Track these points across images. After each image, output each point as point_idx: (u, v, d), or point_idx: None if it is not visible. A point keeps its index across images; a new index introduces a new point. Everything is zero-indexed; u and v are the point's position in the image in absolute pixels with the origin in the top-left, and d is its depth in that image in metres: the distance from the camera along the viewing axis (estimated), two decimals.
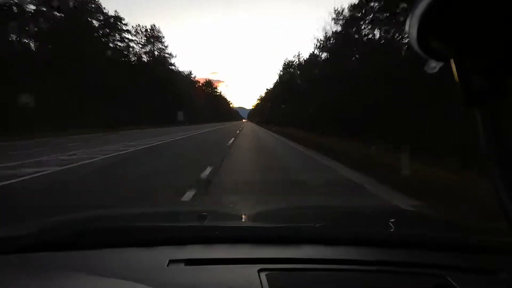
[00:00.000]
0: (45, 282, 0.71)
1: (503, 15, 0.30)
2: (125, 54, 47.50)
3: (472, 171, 4.94)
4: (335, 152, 8.91)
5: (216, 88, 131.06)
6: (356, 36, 20.93)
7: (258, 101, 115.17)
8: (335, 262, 0.84)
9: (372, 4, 18.57)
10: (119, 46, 45.68)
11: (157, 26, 65.05)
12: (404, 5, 14.43)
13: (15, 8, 27.62)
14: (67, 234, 0.98)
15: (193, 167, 6.72)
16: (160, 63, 58.06)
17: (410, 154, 5.90)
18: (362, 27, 20.20)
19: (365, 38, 20.21)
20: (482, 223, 1.97)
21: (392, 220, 1.06)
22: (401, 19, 14.82)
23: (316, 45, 28.32)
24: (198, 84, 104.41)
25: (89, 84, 30.91)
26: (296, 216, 1.43)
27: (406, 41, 14.40)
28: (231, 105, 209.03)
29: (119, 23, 44.19)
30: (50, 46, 31.01)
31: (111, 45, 43.24)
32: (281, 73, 49.95)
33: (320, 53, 28.90)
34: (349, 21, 21.50)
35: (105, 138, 18.39)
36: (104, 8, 41.16)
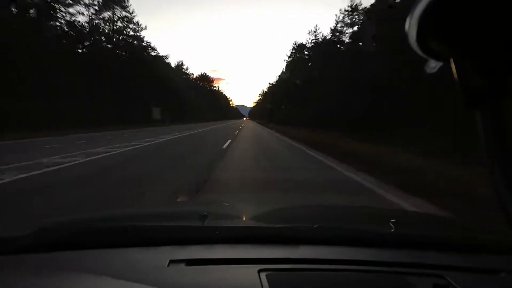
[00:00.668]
0: (45, 282, 0.71)
1: (503, 15, 0.30)
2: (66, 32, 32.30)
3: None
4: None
5: (212, 81, 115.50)
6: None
7: (260, 97, 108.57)
8: (335, 262, 0.84)
9: None
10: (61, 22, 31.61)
11: None
12: None
13: None
14: (66, 234, 0.98)
15: None
16: (127, 44, 40.98)
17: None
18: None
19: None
20: (481, 223, 1.97)
21: (392, 220, 1.06)
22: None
23: (340, 18, 24.47)
24: (191, 77, 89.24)
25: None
26: (296, 216, 1.43)
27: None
28: (231, 103, 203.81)
29: None
30: None
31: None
32: (289, 59, 43.04)
33: (345, 28, 24.47)
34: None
35: None
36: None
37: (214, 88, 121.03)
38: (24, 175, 5.50)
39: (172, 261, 0.82)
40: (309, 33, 60.50)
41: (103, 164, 7.13)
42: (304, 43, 40.66)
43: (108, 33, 39.50)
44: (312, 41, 37.23)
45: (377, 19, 19.73)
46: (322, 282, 0.76)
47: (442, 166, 6.30)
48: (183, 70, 79.13)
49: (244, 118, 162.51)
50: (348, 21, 25.98)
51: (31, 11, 27.88)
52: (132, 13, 41.73)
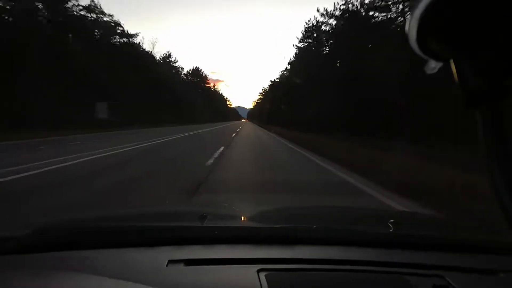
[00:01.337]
0: (45, 282, 0.71)
1: (503, 15, 0.30)
2: None
3: None
4: None
5: (207, 77, 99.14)
6: None
7: (260, 96, 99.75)
8: (335, 262, 0.85)
9: None
10: None
11: None
12: None
13: None
14: (67, 234, 0.98)
15: None
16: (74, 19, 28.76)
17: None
18: None
19: None
20: (481, 223, 1.98)
21: (392, 220, 1.06)
22: None
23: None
24: (180, 71, 72.20)
25: None
26: (295, 216, 1.43)
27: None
28: (229, 104, 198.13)
29: None
30: None
31: None
32: (300, 44, 32.63)
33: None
34: None
35: None
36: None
37: (209, 86, 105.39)
38: None
39: (171, 261, 0.81)
40: None
41: None
42: (331, 10, 26.55)
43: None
44: (341, 8, 24.88)
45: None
46: (321, 282, 0.76)
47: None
48: (170, 62, 63.48)
49: (243, 120, 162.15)
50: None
51: None
52: None
